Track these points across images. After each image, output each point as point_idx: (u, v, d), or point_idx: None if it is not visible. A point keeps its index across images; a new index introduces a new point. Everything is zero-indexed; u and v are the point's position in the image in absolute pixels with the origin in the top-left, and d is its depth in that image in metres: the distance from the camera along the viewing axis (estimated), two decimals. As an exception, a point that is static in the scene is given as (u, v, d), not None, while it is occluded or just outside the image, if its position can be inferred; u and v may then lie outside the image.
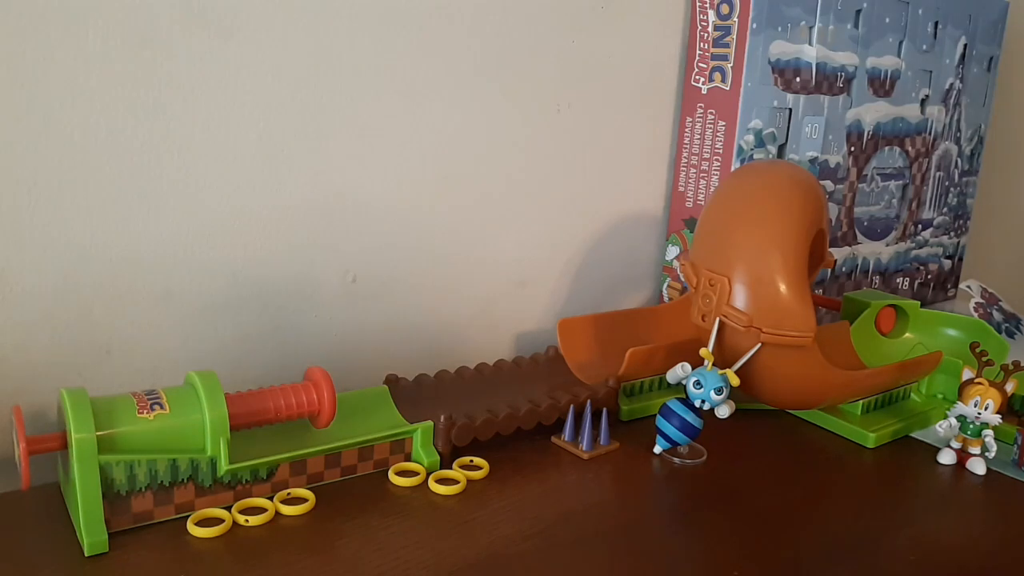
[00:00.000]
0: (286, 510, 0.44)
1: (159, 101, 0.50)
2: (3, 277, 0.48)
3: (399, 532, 0.43)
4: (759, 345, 0.52)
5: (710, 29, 0.71)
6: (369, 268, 0.61)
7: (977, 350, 0.56)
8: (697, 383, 0.51)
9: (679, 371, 0.53)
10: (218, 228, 0.54)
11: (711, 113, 0.72)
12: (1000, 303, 0.74)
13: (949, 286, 1.00)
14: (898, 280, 0.91)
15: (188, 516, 0.42)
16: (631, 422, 0.59)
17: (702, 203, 0.74)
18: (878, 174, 0.84)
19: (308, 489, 0.46)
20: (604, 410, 0.56)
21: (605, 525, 0.45)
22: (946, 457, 0.55)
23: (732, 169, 0.71)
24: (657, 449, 0.53)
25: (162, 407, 0.42)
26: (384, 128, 0.60)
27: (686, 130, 0.74)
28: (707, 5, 0.70)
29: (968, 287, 0.74)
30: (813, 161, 0.76)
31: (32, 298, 0.49)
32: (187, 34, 0.50)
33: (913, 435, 0.59)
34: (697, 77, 0.72)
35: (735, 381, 0.51)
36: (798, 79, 0.73)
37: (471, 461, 0.50)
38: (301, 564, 0.39)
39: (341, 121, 0.57)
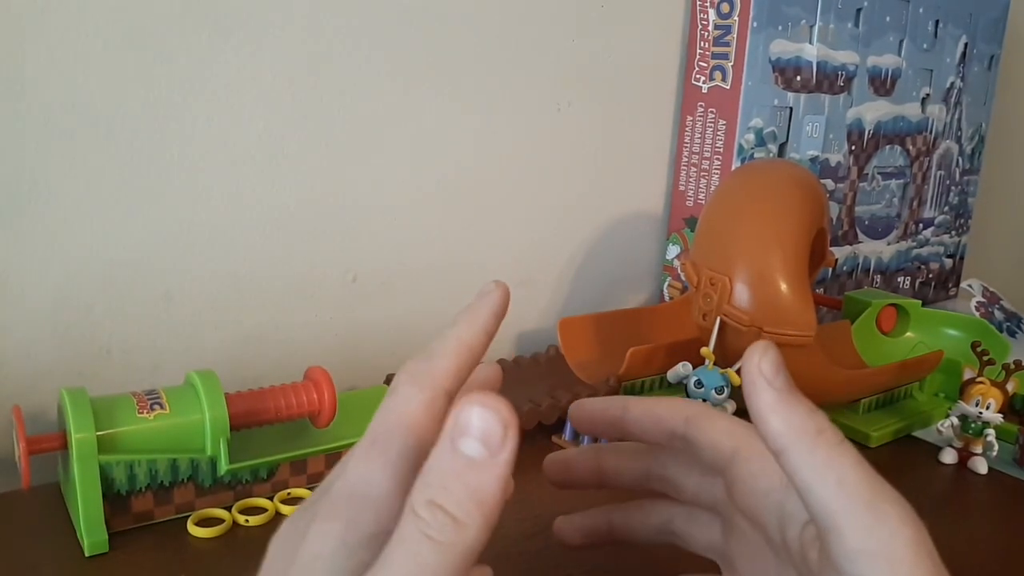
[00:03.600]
0: (286, 510, 0.44)
1: (159, 101, 0.50)
2: (3, 277, 0.48)
3: (400, 532, 0.42)
4: (760, 344, 0.52)
5: (710, 28, 0.71)
6: (369, 268, 0.61)
7: (978, 349, 0.55)
8: (698, 382, 0.51)
9: (680, 370, 0.52)
10: (218, 228, 0.54)
11: (711, 112, 0.72)
12: (1001, 302, 0.74)
13: (950, 285, 0.99)
14: (899, 279, 0.91)
15: (188, 516, 0.42)
16: (632, 421, 0.58)
17: (703, 202, 0.74)
18: (879, 173, 0.84)
19: (308, 489, 0.46)
20: (605, 409, 0.56)
21: (606, 524, 0.44)
22: (948, 456, 0.55)
23: (733, 168, 0.71)
24: (658, 448, 0.53)
25: (162, 407, 0.42)
26: (383, 127, 0.60)
27: (686, 129, 0.74)
28: (707, 4, 0.70)
29: (969, 286, 0.74)
30: (814, 160, 0.76)
31: (32, 298, 0.49)
32: (187, 33, 0.50)
33: (915, 434, 0.59)
34: (697, 76, 0.72)
35: (736, 380, 0.51)
36: (799, 78, 0.73)
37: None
38: (302, 564, 0.39)
39: (341, 121, 0.57)
